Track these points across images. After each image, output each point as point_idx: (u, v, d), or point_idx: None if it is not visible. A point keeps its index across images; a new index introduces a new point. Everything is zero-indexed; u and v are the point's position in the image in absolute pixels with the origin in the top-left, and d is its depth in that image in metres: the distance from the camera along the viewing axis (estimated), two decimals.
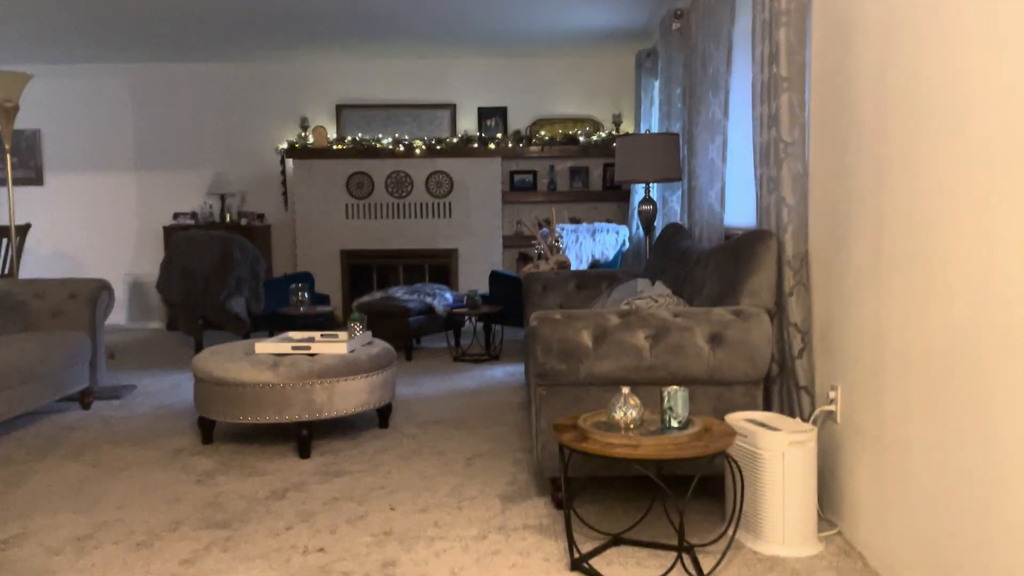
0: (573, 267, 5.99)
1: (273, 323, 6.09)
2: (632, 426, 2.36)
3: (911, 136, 2.11)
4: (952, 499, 1.93)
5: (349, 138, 7.55)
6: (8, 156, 5.26)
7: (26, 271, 7.65)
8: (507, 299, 6.03)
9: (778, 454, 2.47)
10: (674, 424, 2.38)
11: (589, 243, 6.30)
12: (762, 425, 2.56)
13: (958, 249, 1.88)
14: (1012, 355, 1.67)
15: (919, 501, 2.10)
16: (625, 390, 2.39)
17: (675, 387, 2.39)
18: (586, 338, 2.76)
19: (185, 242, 6.23)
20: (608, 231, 6.45)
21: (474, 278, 7.48)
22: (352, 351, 3.78)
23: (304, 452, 3.54)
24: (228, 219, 7.65)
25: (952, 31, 1.90)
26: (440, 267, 7.62)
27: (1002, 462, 1.71)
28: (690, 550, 2.43)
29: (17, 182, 7.64)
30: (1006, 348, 1.69)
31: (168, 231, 7.56)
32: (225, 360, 3.62)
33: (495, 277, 6.20)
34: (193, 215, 7.73)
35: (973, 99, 1.81)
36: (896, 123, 2.19)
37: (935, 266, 1.99)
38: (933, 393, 2.02)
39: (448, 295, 6.24)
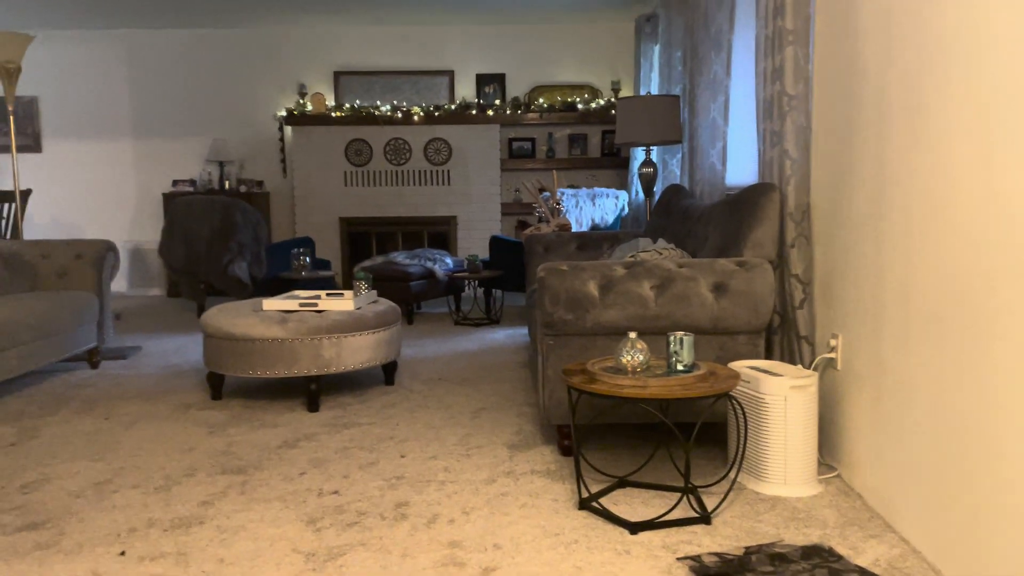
0: (574, 231, 6.03)
1: (275, 288, 6.13)
2: (639, 369, 2.43)
3: (914, 85, 2.16)
4: (947, 439, 2.00)
5: (347, 105, 7.55)
6: (12, 118, 5.26)
7: (26, 238, 7.65)
8: (507, 264, 6.09)
9: (780, 398, 2.54)
10: (680, 368, 2.44)
11: (589, 208, 6.35)
12: (765, 372, 2.63)
13: (957, 193, 1.94)
14: (1008, 298, 1.73)
15: (916, 442, 2.17)
16: (632, 335, 2.45)
17: (680, 332, 2.46)
18: (593, 288, 2.82)
19: (186, 207, 6.25)
20: (608, 196, 6.50)
21: (473, 245, 7.53)
22: (359, 308, 3.83)
23: (313, 406, 3.60)
24: (227, 186, 7.67)
25: None
26: (439, 234, 7.66)
27: (997, 401, 1.78)
28: (694, 490, 2.50)
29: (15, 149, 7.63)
30: (1002, 290, 1.75)
31: (167, 198, 7.57)
32: (234, 316, 3.67)
33: (495, 242, 6.25)
34: (192, 182, 7.74)
35: (978, 46, 1.86)
36: (899, 72, 2.24)
37: (935, 211, 2.05)
38: (930, 337, 2.08)
39: (449, 260, 6.30)
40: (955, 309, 1.96)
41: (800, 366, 2.85)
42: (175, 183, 7.73)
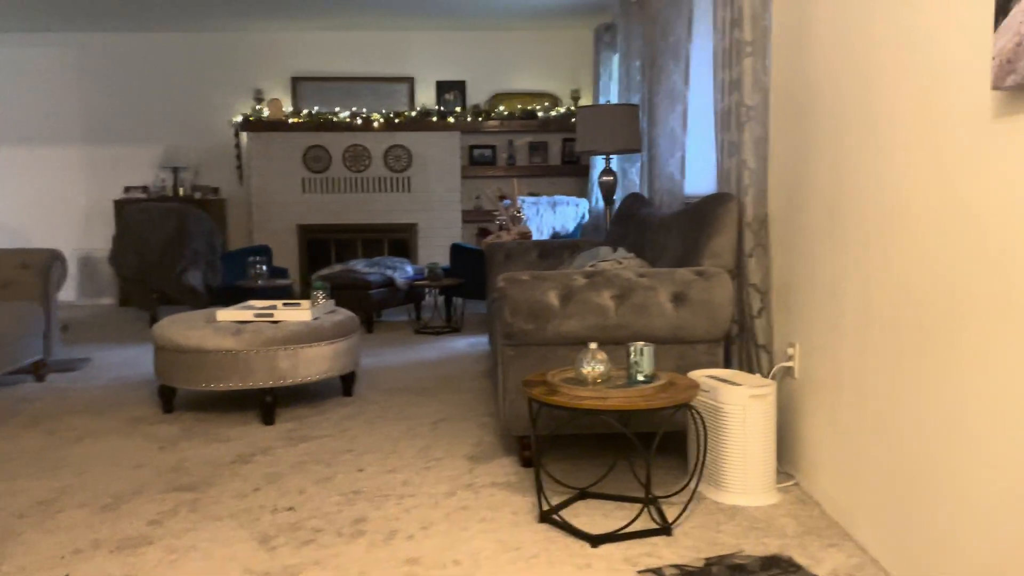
0: (534, 238, 6.02)
1: (231, 297, 6.02)
2: (599, 380, 2.41)
3: (868, 95, 2.18)
4: (904, 447, 2.01)
5: (305, 111, 7.45)
6: None
7: None
8: (468, 272, 6.06)
9: (739, 407, 2.55)
10: (640, 378, 2.43)
11: (550, 216, 6.34)
12: (724, 381, 2.64)
13: (913, 203, 1.96)
14: (964, 307, 1.75)
15: (873, 450, 2.19)
16: (592, 346, 2.43)
17: (641, 343, 2.45)
18: (553, 298, 2.80)
19: (139, 214, 6.10)
20: (568, 204, 6.50)
21: (434, 253, 7.47)
22: (316, 318, 3.76)
23: (268, 419, 3.53)
24: (181, 193, 7.51)
25: None
26: (399, 242, 7.60)
27: (953, 409, 1.80)
28: (655, 501, 2.49)
29: None
30: (958, 298, 1.77)
31: (119, 205, 7.39)
32: (187, 327, 3.58)
33: (456, 250, 6.21)
34: (145, 189, 7.57)
35: (928, 59, 1.88)
36: (854, 82, 2.26)
37: (890, 221, 2.07)
38: (887, 345, 2.10)
39: (409, 268, 6.24)
40: (911, 317, 1.97)
41: (758, 375, 2.86)
42: (127, 190, 7.56)
